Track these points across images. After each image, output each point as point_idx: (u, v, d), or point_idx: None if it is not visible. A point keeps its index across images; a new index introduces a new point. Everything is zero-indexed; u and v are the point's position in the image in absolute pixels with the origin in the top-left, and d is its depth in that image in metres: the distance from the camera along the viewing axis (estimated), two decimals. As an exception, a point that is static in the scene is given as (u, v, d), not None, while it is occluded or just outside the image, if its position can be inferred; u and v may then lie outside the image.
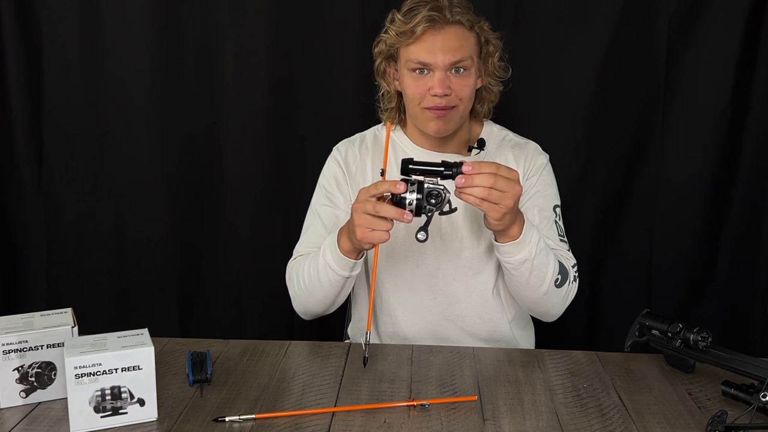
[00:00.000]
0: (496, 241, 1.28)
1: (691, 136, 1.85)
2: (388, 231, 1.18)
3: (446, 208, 1.18)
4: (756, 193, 1.86)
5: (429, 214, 1.15)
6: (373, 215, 1.17)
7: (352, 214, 1.21)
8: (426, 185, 1.14)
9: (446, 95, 1.34)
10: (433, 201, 1.14)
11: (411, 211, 1.14)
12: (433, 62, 1.34)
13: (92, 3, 1.86)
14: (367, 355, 1.22)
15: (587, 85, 1.84)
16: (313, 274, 1.34)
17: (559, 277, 1.32)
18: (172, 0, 1.86)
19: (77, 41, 1.88)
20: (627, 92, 1.85)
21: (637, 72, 1.83)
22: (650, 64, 1.83)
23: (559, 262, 1.33)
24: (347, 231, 1.25)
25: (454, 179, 1.14)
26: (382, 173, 1.30)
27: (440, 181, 1.15)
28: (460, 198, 1.16)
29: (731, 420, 1.01)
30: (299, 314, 1.45)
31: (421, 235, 1.15)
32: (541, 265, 1.29)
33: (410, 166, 1.14)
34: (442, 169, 1.14)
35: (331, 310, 1.42)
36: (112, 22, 1.86)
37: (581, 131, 1.87)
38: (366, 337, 1.22)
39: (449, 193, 1.16)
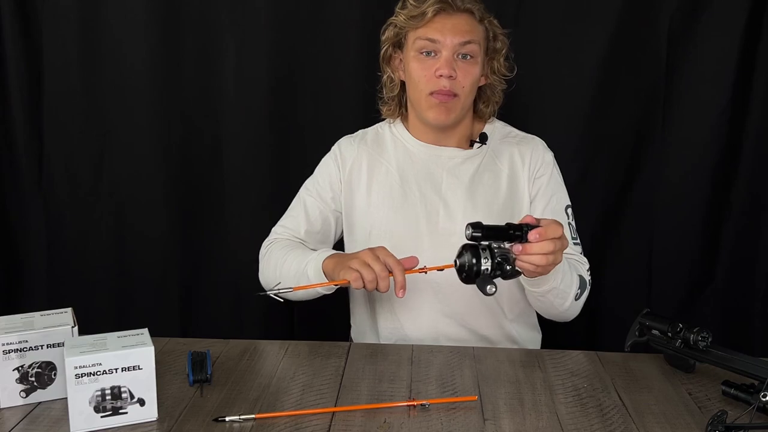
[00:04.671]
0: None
1: (691, 136, 1.85)
2: (362, 284, 1.20)
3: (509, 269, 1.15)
4: (756, 194, 1.86)
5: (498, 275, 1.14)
6: (371, 267, 1.19)
7: (359, 252, 1.23)
8: (496, 252, 1.12)
9: (451, 77, 1.35)
10: (507, 267, 1.13)
11: (487, 274, 1.12)
12: (441, 40, 1.35)
13: (92, 3, 1.86)
14: (264, 293, 1.26)
15: (587, 84, 1.84)
16: (293, 275, 1.36)
17: (579, 291, 1.35)
18: (172, 0, 1.86)
19: (77, 41, 1.87)
20: (627, 92, 1.84)
21: (637, 72, 1.83)
22: (650, 63, 1.82)
23: (578, 275, 1.35)
24: (338, 257, 1.27)
25: (521, 241, 1.12)
26: (431, 268, 1.24)
27: (505, 244, 1.13)
28: (518, 264, 1.14)
29: (731, 420, 1.01)
30: (261, 283, 1.50)
31: (490, 288, 1.12)
32: (566, 287, 1.31)
33: (479, 233, 1.11)
34: (510, 231, 1.12)
35: None
36: (112, 22, 1.86)
37: (581, 131, 1.86)
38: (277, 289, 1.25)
39: (515, 255, 1.14)
